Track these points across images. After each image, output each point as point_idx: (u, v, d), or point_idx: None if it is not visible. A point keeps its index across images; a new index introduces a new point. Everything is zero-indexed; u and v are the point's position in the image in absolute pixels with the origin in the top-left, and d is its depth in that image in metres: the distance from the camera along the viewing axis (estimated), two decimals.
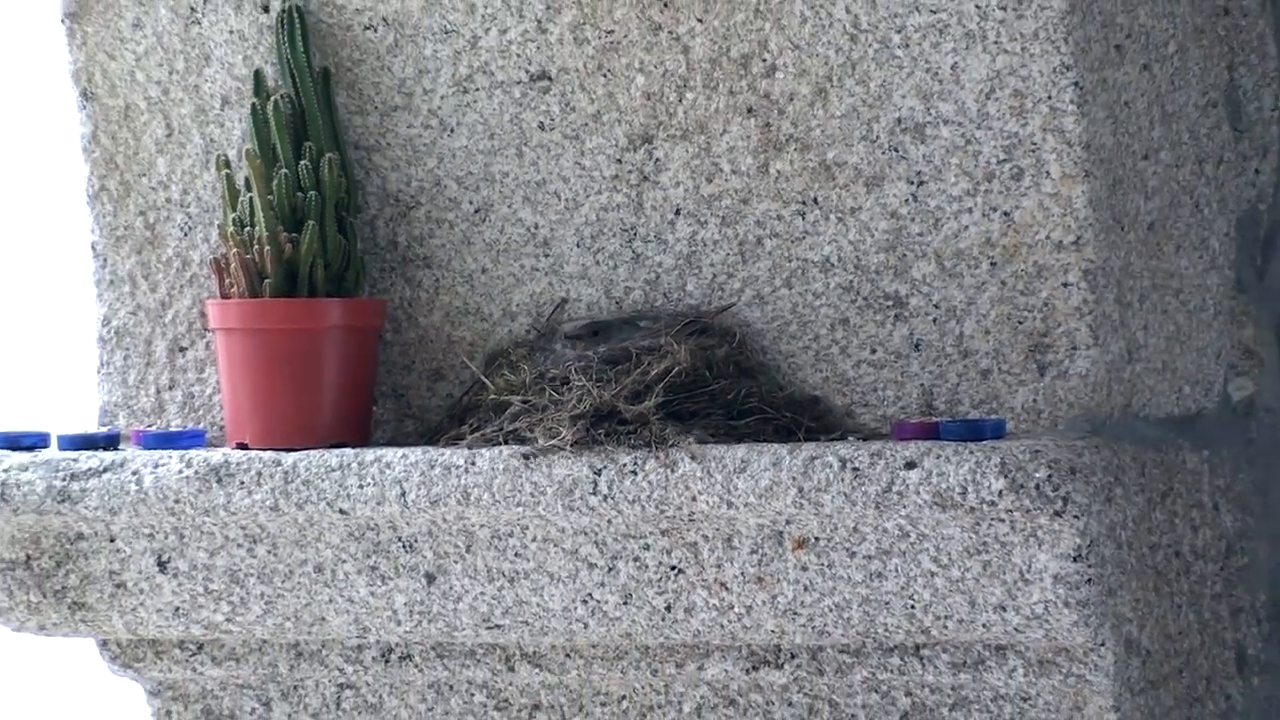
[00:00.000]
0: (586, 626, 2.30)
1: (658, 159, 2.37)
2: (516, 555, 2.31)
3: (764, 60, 2.34)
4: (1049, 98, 2.26)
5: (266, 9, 2.45)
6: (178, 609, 2.38)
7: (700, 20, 2.26)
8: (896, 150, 2.30)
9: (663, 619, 2.26)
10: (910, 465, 2.16)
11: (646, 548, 2.26)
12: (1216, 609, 2.50)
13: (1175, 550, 2.38)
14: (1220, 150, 2.56)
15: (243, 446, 2.37)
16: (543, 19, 2.41)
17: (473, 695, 2.44)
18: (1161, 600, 2.36)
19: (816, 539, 2.21)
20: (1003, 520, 2.14)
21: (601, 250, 2.40)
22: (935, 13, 2.21)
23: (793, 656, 2.30)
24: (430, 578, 2.32)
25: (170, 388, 2.51)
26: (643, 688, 2.40)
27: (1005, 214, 2.28)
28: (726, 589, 2.24)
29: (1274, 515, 2.53)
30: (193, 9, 2.45)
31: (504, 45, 2.42)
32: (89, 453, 2.37)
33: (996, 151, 2.28)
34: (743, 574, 2.24)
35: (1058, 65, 2.25)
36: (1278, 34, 2.60)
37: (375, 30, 2.45)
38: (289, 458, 2.32)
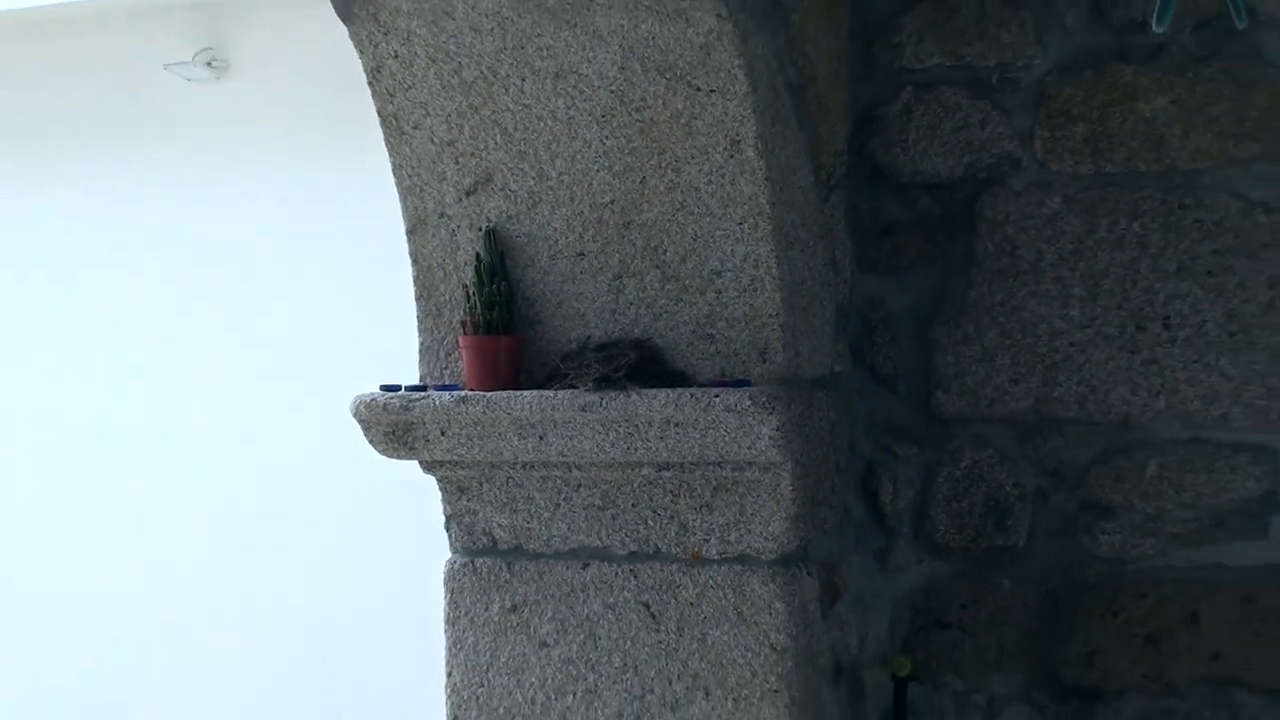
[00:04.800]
0: (596, 451, 2.27)
1: (624, 285, 2.33)
2: (572, 430, 2.27)
3: (663, 247, 2.29)
4: (770, 266, 2.24)
5: (480, 229, 2.36)
6: (448, 448, 2.35)
7: (647, 237, 2.31)
8: (712, 283, 2.28)
9: (625, 450, 2.26)
10: (717, 395, 2.19)
11: (619, 427, 2.25)
12: (830, 447, 2.46)
13: (814, 426, 2.35)
14: (831, 280, 2.51)
15: (472, 390, 2.33)
16: (581, 233, 2.33)
17: (562, 480, 2.38)
18: (811, 443, 2.33)
19: (682, 423, 2.22)
20: (751, 415, 2.18)
21: (603, 317, 2.36)
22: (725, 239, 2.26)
23: (675, 465, 2.28)
24: (540, 437, 2.29)
25: (446, 367, 2.44)
26: (615, 476, 2.32)
27: (751, 304, 2.27)
28: (646, 439, 2.24)
29: (849, 412, 2.59)
30: (453, 232, 2.38)
31: (569, 239, 2.35)
32: (416, 392, 2.36)
33: (746, 282, 2.26)
34: (655, 435, 2.24)
35: (768, 250, 2.25)
36: (847, 230, 2.58)
37: (521, 239, 2.36)
38: (490, 394, 2.30)
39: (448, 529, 2.52)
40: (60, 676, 5.12)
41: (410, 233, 2.45)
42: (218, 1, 4.98)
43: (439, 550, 2.52)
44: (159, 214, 5.22)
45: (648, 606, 2.38)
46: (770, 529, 2.32)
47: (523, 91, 2.31)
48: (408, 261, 2.47)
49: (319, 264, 4.99)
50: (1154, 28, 1.59)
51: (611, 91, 2.26)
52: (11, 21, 5.22)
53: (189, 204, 5.17)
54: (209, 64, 5.09)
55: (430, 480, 2.52)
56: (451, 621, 2.47)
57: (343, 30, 2.36)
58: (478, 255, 2.39)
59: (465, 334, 2.38)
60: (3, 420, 5.31)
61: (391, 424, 2.39)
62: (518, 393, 2.32)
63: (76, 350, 5.26)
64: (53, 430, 5.23)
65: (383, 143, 2.41)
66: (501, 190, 2.40)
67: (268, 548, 4.97)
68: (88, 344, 5.24)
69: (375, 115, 2.39)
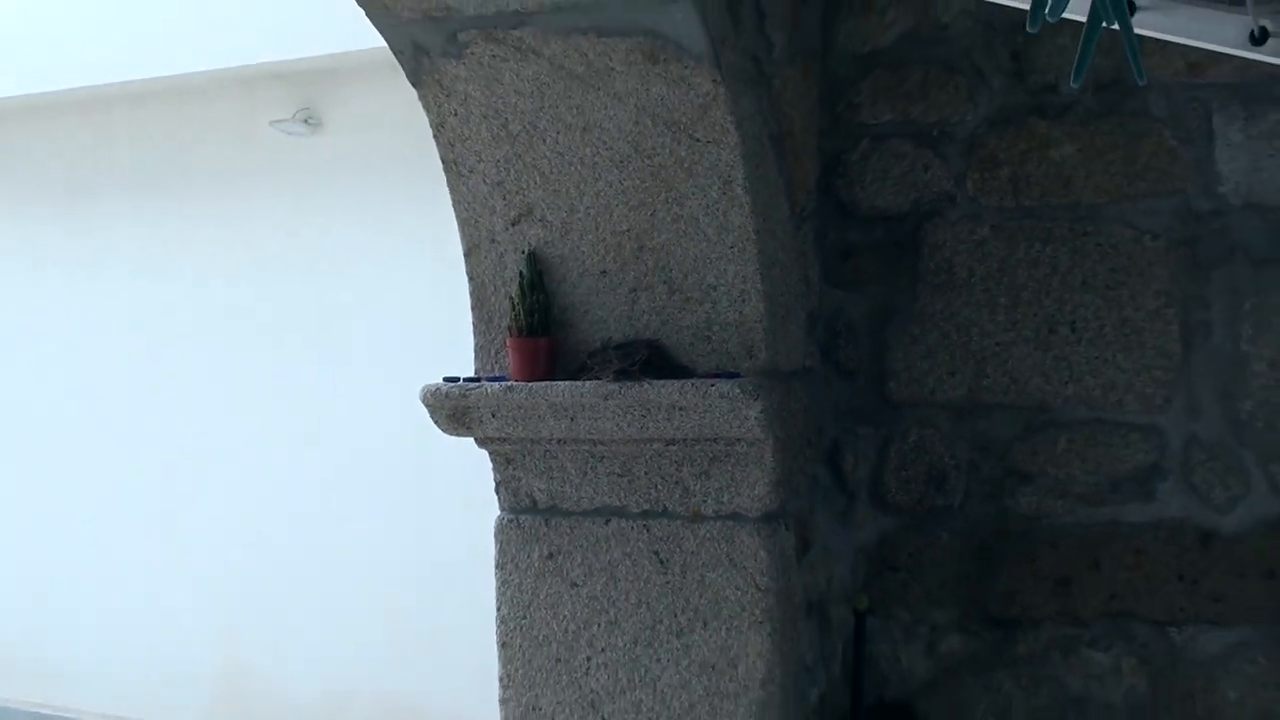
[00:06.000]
0: (616, 429, 2.26)
1: (638, 297, 2.31)
2: (597, 413, 2.24)
3: (669, 266, 2.27)
4: (756, 282, 2.23)
5: (523, 252, 2.35)
6: (498, 427, 2.32)
7: (656, 258, 2.30)
8: (709, 295, 2.26)
9: (639, 429, 2.26)
10: (713, 385, 2.18)
11: (634, 410, 2.24)
12: (803, 427, 2.41)
13: (791, 410, 2.30)
14: (804, 293, 2.46)
15: (516, 381, 2.31)
16: (604, 256, 2.30)
17: (588, 453, 2.35)
18: (788, 423, 2.29)
19: (685, 407, 2.21)
20: (740, 401, 2.17)
21: (621, 322, 2.32)
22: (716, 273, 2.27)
23: (679, 441, 2.27)
24: (571, 419, 2.27)
25: (495, 363, 2.40)
26: (631, 449, 2.31)
27: (740, 312, 2.24)
28: (656, 420, 2.24)
29: (819, 399, 2.54)
30: (501, 254, 2.33)
31: (594, 260, 2.31)
32: (471, 383, 2.35)
33: (736, 295, 2.24)
34: (663, 417, 2.23)
35: (754, 270, 2.23)
36: (817, 253, 2.54)
37: (556, 260, 2.33)
38: (530, 384, 2.29)
39: (497, 492, 2.50)
40: (211, 605, 5.35)
41: (467, 255, 2.45)
42: (313, 70, 5.08)
43: (490, 509, 2.51)
44: (264, 243, 5.32)
45: (657, 554, 2.37)
46: (756, 492, 2.32)
47: (557, 142, 2.31)
48: (465, 278, 2.46)
49: (393, 280, 5.06)
50: (1071, 84, 1.60)
51: (628, 142, 2.27)
52: (143, 89, 5.36)
53: (288, 235, 5.28)
54: (306, 121, 5.21)
55: (483, 453, 2.52)
56: (500, 566, 2.46)
57: (413, 93, 2.38)
58: (521, 273, 2.39)
59: (511, 336, 2.37)
60: (156, 423, 5.46)
61: (452, 408, 2.39)
62: (553, 383, 2.31)
63: (211, 350, 5.39)
64: (199, 426, 5.39)
65: (445, 183, 2.41)
66: (540, 221, 2.39)
67: (358, 509, 5.09)
68: (227, 343, 5.35)
69: (439, 161, 2.38)
